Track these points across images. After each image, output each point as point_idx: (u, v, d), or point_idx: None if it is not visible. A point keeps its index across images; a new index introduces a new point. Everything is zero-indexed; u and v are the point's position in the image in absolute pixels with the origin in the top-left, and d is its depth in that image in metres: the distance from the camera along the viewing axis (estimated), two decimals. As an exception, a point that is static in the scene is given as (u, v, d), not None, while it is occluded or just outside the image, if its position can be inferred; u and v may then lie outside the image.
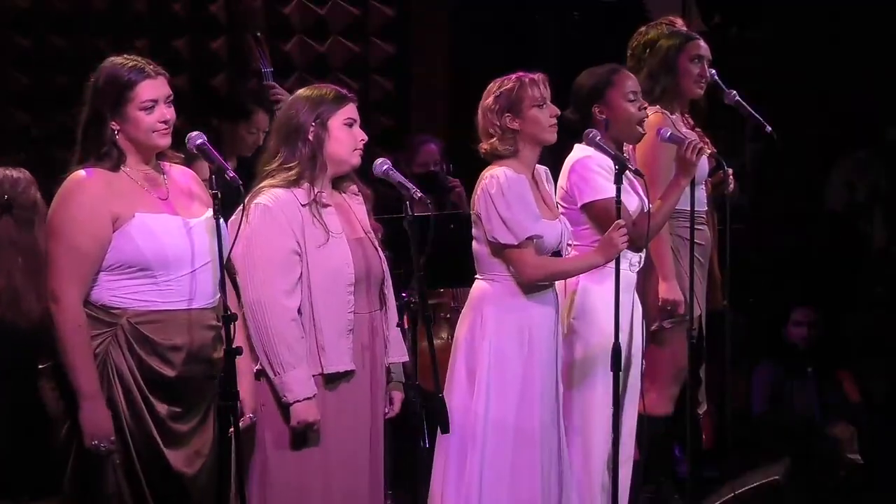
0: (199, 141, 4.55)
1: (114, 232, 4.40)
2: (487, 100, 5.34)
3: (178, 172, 4.64)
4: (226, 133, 7.00)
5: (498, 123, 5.31)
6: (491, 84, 5.37)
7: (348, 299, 4.82)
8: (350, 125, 4.90)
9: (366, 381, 4.89)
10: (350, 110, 4.91)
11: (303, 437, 4.77)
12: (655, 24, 6.43)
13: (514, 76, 5.34)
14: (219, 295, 4.48)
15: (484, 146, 5.36)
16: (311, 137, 4.85)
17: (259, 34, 7.50)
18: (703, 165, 5.97)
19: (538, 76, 5.34)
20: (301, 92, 4.98)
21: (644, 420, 5.74)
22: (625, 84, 5.64)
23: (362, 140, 4.92)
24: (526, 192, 5.26)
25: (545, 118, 5.31)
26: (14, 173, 5.42)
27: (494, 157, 5.34)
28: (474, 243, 5.37)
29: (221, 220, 4.51)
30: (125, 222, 4.41)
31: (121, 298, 4.43)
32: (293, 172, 4.82)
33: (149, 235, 4.42)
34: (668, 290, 5.95)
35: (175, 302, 4.45)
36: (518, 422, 5.28)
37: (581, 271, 5.42)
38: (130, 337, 4.41)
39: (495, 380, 5.28)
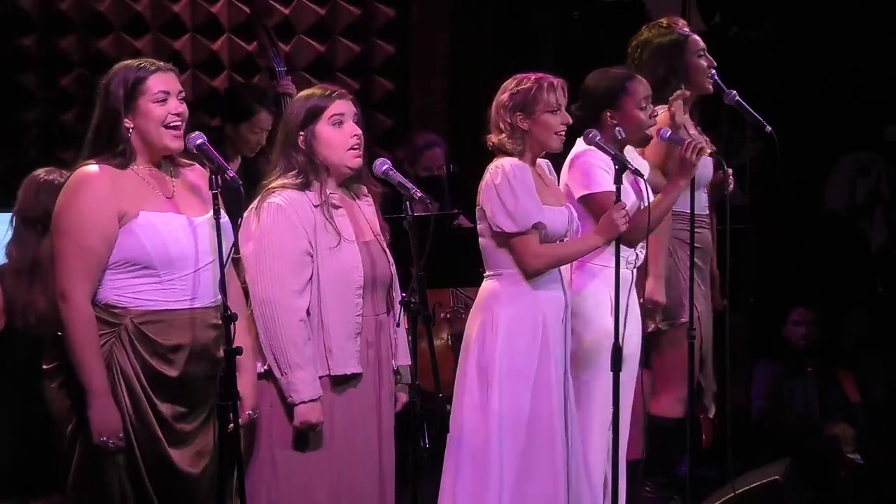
0: (198, 141, 4.55)
1: (119, 229, 4.40)
2: (503, 95, 5.34)
3: (185, 170, 4.63)
4: (229, 133, 7.00)
5: (509, 121, 5.31)
6: (509, 80, 5.37)
7: (357, 302, 4.82)
8: (338, 122, 4.84)
9: (372, 384, 4.89)
10: (337, 106, 4.85)
11: (310, 438, 4.77)
12: (655, 24, 6.40)
13: (533, 76, 5.34)
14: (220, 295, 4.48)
15: (492, 140, 5.36)
16: (301, 144, 4.83)
17: (272, 32, 7.51)
18: (707, 169, 5.96)
19: (558, 82, 5.34)
20: (294, 98, 4.97)
21: (652, 421, 5.76)
22: (638, 92, 5.66)
23: (355, 136, 4.86)
24: (530, 181, 5.26)
25: (556, 124, 5.31)
26: (59, 180, 5.44)
27: (500, 153, 5.35)
28: (480, 238, 5.38)
29: (222, 220, 4.50)
30: (130, 220, 4.40)
31: (124, 297, 4.42)
32: (300, 179, 4.81)
33: (153, 234, 4.41)
34: (654, 290, 5.91)
35: (177, 301, 4.45)
36: (534, 415, 5.29)
37: (582, 253, 5.40)
38: (133, 337, 4.41)
39: (509, 376, 5.28)
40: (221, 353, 4.47)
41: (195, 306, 4.48)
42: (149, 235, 4.41)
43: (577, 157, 5.62)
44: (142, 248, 4.41)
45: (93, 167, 4.43)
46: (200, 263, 4.48)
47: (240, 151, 6.95)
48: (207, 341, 4.49)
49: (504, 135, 5.32)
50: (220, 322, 4.48)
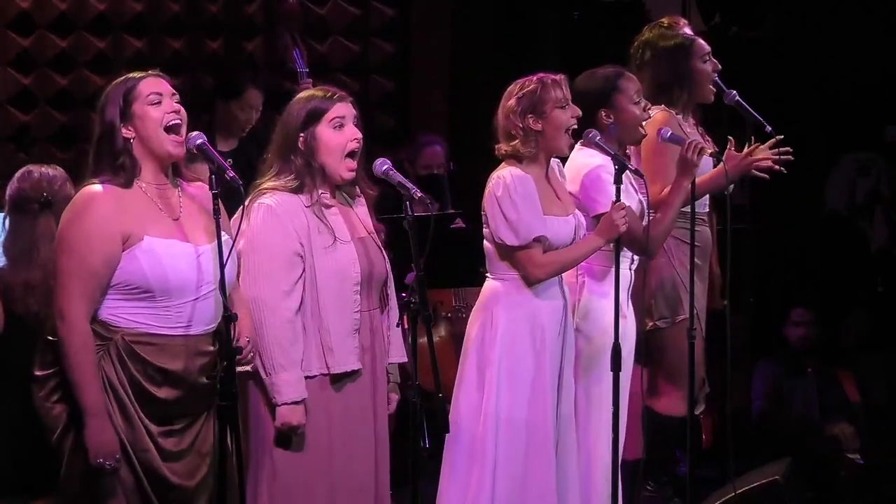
0: (198, 141, 4.52)
1: (122, 252, 4.36)
2: (509, 101, 5.33)
3: (194, 189, 4.59)
4: (218, 111, 6.98)
5: (521, 125, 5.30)
6: (511, 86, 5.36)
7: (355, 299, 4.82)
8: (339, 125, 4.82)
9: (368, 380, 4.89)
10: (337, 109, 4.83)
11: (298, 439, 4.76)
12: (657, 24, 6.37)
13: (535, 77, 5.33)
14: (219, 320, 4.43)
15: (504, 148, 5.34)
16: (301, 146, 4.81)
17: (297, 35, 7.51)
18: (706, 164, 5.96)
19: (559, 77, 5.34)
20: (294, 99, 4.92)
21: (655, 419, 5.77)
22: (630, 87, 5.66)
23: (355, 139, 4.83)
24: (532, 193, 5.25)
25: (567, 119, 5.31)
26: (50, 171, 5.46)
27: (512, 158, 5.34)
28: (485, 242, 5.40)
29: (221, 219, 4.48)
30: (134, 244, 4.36)
31: (118, 318, 4.39)
32: (295, 182, 4.80)
33: (154, 261, 4.37)
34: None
35: (171, 327, 4.41)
36: (530, 418, 5.30)
37: (585, 257, 5.40)
38: (123, 352, 4.37)
39: (506, 377, 5.30)
40: (213, 372, 4.43)
41: (190, 333, 4.44)
42: (150, 262, 4.36)
43: (587, 173, 5.58)
44: (141, 274, 4.36)
45: (97, 187, 4.39)
46: (201, 292, 4.44)
47: (230, 131, 6.95)
48: (197, 368, 4.44)
49: (518, 140, 5.30)
50: (213, 348, 4.46)
